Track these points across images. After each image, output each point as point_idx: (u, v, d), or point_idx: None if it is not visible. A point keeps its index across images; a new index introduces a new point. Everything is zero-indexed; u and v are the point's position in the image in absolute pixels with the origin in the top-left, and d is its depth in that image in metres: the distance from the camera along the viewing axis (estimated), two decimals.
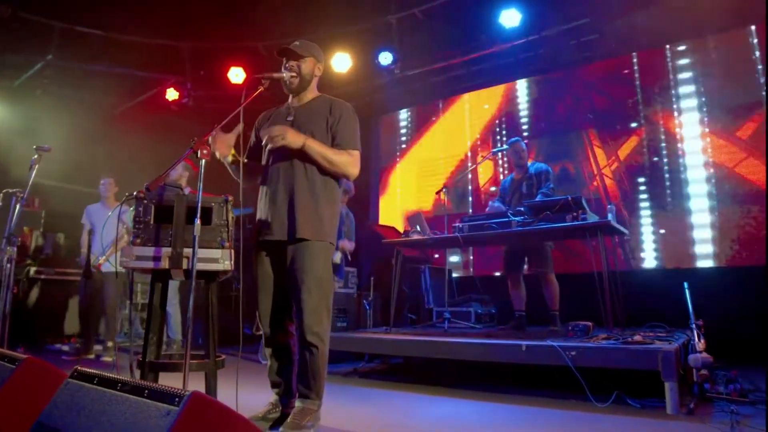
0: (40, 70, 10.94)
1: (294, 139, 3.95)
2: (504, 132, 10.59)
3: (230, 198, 3.75)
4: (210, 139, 3.79)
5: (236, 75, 10.65)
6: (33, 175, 5.77)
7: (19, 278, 9.67)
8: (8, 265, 5.69)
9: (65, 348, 8.87)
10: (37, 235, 10.69)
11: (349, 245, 8.26)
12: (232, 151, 4.05)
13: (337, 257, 7.86)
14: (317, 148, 4.00)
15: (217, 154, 3.98)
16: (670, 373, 4.51)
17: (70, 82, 11.42)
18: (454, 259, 10.83)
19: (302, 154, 4.03)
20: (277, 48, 4.29)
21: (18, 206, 5.77)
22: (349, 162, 4.10)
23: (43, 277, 9.90)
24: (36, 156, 5.74)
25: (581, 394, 4.83)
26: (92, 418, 2.08)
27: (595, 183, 9.44)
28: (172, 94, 11.72)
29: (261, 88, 3.99)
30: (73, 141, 10.77)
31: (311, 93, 4.41)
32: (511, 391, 5.68)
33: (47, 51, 10.48)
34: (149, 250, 3.55)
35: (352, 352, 7.71)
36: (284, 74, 4.17)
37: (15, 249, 5.68)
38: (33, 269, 9.86)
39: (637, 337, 5.10)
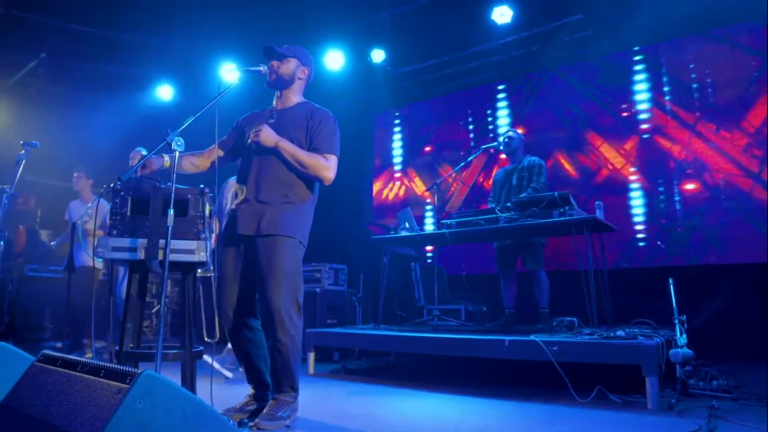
0: (33, 69, 10.99)
1: (267, 137, 4.07)
2: (498, 128, 10.61)
3: (206, 190, 3.80)
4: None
5: (228, 72, 10.63)
6: (20, 170, 5.81)
7: (12, 275, 9.76)
8: None
9: (59, 345, 8.91)
10: (31, 233, 10.75)
11: None
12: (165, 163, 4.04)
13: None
14: (289, 150, 4.11)
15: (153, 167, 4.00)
16: (650, 368, 4.53)
17: (64, 80, 11.49)
18: None
19: (276, 155, 4.14)
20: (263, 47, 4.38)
21: (5, 201, 5.79)
22: (324, 165, 4.17)
23: (37, 275, 9.96)
24: (23, 152, 5.79)
25: (564, 389, 4.86)
26: (52, 397, 2.14)
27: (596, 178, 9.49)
28: (165, 92, 11.80)
29: (236, 82, 4.08)
30: (68, 139, 10.84)
31: (296, 97, 4.51)
32: (495, 386, 5.72)
33: (41, 49, 10.54)
34: (125, 241, 3.61)
35: (343, 352, 7.79)
36: (261, 67, 4.25)
37: (2, 244, 5.71)
38: (27, 267, 9.92)
39: (620, 333, 5.14)
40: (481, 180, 10.77)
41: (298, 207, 4.20)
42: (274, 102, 4.52)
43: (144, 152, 7.43)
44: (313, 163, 4.13)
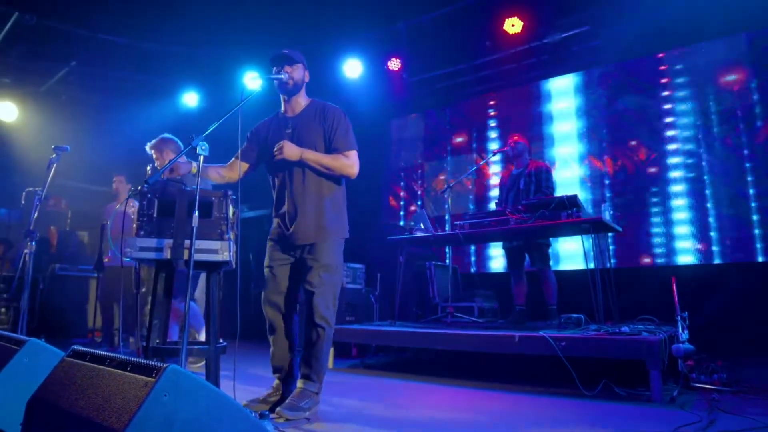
0: (64, 76, 11.07)
1: (291, 153, 4.17)
2: (508, 134, 10.59)
3: (230, 192, 3.82)
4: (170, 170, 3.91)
5: (252, 79, 10.61)
6: (51, 173, 5.84)
7: (44, 274, 9.80)
8: (29, 258, 5.75)
9: (89, 341, 8.95)
10: (62, 234, 10.79)
11: None
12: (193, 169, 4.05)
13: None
14: (313, 158, 4.23)
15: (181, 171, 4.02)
16: (653, 362, 4.55)
17: (94, 88, 11.57)
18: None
19: (303, 165, 4.25)
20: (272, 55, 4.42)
21: (37, 203, 5.83)
22: (346, 164, 4.31)
23: (67, 273, 10.00)
24: (54, 156, 5.83)
25: (571, 383, 4.86)
26: (81, 390, 2.15)
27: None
28: (191, 99, 11.87)
29: (258, 89, 4.12)
30: (97, 144, 10.90)
31: (303, 99, 4.55)
32: (506, 380, 5.72)
33: (71, 58, 10.61)
34: (152, 242, 3.64)
35: (361, 347, 7.80)
36: (282, 75, 4.27)
37: (33, 244, 5.74)
38: (58, 266, 9.96)
39: (625, 329, 5.14)
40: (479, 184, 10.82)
41: (333, 206, 4.37)
42: (282, 107, 4.57)
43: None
44: (336, 164, 4.27)
